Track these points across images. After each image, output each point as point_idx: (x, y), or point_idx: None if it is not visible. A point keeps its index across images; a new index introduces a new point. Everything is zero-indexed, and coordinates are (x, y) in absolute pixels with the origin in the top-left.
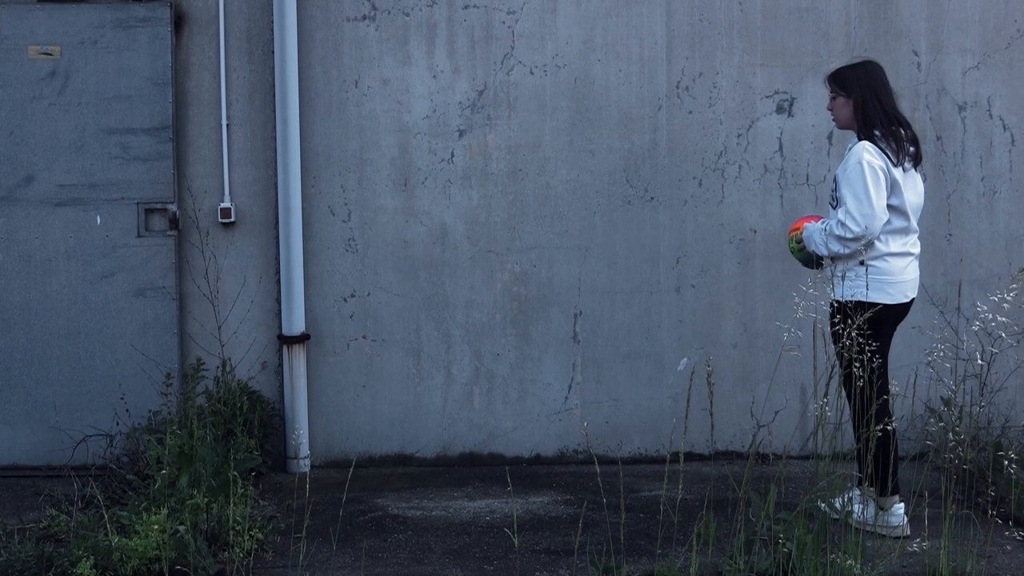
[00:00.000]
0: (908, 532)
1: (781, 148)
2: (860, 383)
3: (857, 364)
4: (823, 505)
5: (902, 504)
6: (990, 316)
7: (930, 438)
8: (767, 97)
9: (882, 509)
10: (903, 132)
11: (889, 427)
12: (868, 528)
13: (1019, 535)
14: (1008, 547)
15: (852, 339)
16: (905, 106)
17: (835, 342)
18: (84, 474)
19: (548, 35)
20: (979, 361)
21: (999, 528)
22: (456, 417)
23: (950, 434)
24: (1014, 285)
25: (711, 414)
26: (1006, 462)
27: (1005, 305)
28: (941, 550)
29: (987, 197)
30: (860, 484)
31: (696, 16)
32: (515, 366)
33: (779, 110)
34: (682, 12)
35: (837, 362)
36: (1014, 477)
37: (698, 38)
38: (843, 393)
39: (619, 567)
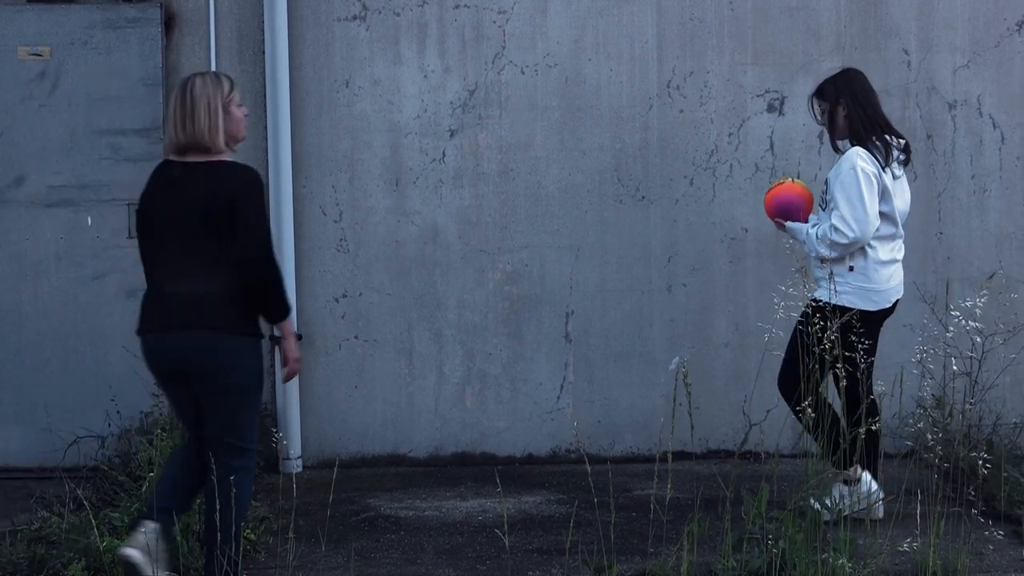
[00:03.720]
0: (882, 511)
1: (772, 147)
2: (843, 384)
3: (839, 368)
4: (815, 503)
5: (867, 473)
6: (963, 322)
7: (919, 436)
8: (758, 96)
9: (856, 482)
10: (888, 138)
11: (874, 428)
12: (856, 515)
13: (999, 533)
14: (995, 545)
15: (833, 342)
16: (895, 105)
17: (816, 342)
18: (76, 476)
19: (539, 35)
20: (970, 361)
21: (989, 525)
22: (448, 417)
23: (931, 435)
24: (984, 291)
25: (690, 414)
26: (980, 462)
27: (977, 311)
28: (930, 548)
29: (977, 195)
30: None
31: (687, 15)
32: (507, 366)
33: (770, 109)
34: (673, 11)
35: (821, 361)
36: (1004, 475)
37: (689, 37)
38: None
39: (611, 566)
